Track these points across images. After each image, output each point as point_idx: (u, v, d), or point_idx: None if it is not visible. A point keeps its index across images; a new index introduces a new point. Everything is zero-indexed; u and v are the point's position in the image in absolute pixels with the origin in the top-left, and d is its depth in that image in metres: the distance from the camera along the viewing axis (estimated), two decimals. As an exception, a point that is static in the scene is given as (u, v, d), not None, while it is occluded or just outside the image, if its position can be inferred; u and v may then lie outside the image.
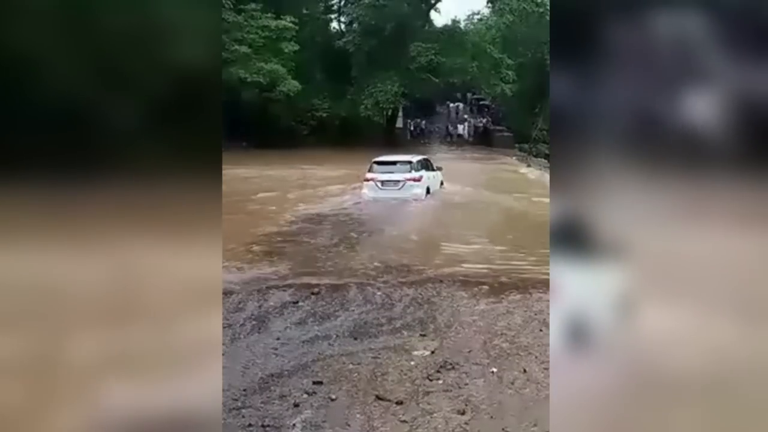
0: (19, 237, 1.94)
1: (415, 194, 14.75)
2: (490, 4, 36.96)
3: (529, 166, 26.99)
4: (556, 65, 2.06)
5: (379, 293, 6.84)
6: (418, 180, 15.01)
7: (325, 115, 35.00)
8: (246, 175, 18.37)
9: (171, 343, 1.92)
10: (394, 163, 15.46)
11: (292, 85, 29.80)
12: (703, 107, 2.06)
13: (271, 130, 30.95)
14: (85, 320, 1.94)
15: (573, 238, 2.15)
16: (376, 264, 8.40)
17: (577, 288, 2.14)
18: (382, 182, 14.80)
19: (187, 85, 2.07)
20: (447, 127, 42.40)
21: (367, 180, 14.98)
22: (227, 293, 6.53)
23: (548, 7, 32.61)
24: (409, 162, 15.47)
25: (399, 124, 40.54)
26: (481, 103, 44.70)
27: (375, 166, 15.23)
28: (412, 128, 41.73)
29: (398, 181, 14.76)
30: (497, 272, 7.90)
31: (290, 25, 30.54)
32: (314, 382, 4.42)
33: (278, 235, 10.89)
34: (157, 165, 2.05)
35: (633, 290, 2.08)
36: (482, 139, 39.11)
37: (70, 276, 1.98)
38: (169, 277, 1.97)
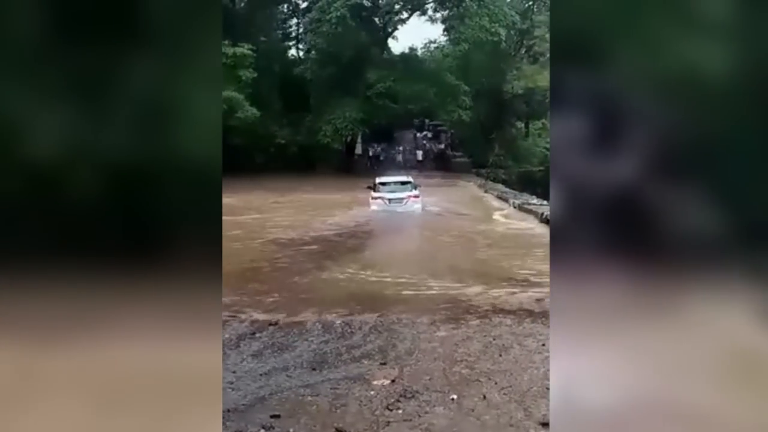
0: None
1: (416, 209, 17.48)
2: (446, 33, 37.79)
3: (486, 192, 27.12)
4: (556, 79, 2.06)
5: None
6: (417, 197, 17.85)
7: (283, 142, 34.79)
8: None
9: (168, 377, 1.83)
10: (395, 183, 18.56)
11: (250, 112, 29.58)
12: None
13: (228, 157, 30.37)
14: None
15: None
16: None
17: None
18: (390, 200, 17.49)
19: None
20: (406, 153, 42.79)
21: (375, 198, 17.69)
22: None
23: (502, 36, 33.83)
24: (409, 182, 18.59)
25: (358, 150, 40.70)
26: (439, 128, 45.28)
27: (380, 186, 18.04)
28: (371, 154, 41.96)
29: (402, 198, 17.56)
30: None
31: (248, 52, 30.45)
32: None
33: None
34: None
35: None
36: (440, 164, 39.60)
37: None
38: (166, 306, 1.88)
